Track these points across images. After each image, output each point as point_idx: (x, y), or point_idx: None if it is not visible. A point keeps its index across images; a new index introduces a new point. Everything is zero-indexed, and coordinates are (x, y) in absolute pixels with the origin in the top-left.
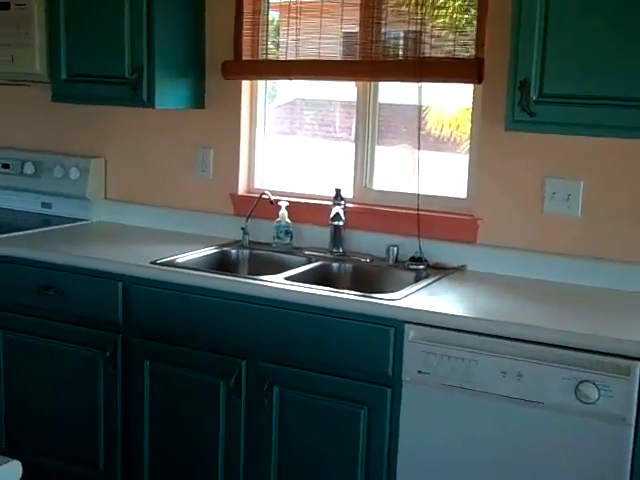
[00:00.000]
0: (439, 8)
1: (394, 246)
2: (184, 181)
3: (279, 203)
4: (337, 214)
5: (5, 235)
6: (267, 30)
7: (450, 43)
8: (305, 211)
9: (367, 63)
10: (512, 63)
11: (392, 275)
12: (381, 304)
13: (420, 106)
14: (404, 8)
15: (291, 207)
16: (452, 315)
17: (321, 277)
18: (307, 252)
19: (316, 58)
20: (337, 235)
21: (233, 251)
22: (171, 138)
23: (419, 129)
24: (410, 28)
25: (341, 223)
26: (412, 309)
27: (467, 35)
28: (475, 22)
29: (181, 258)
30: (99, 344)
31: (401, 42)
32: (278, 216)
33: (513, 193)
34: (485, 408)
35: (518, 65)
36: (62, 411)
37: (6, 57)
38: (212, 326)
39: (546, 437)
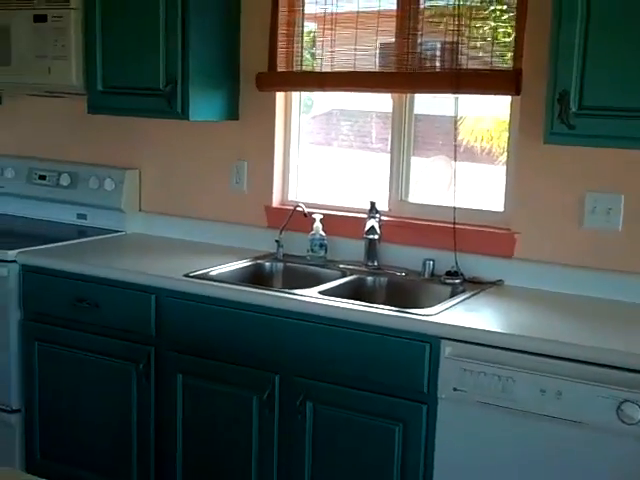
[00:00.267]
0: (477, 19)
1: (430, 260)
2: (218, 193)
3: (313, 216)
4: (372, 227)
5: (41, 246)
6: (302, 41)
7: (488, 54)
8: (340, 224)
9: (403, 75)
10: (551, 74)
11: (428, 289)
12: (416, 319)
13: (456, 117)
14: (441, 19)
15: (326, 220)
16: (489, 331)
17: (355, 291)
18: (341, 265)
19: (351, 69)
20: (372, 248)
21: (267, 264)
22: (205, 150)
23: (455, 140)
24: (447, 39)
25: (376, 236)
26: (448, 325)
27: (505, 46)
28: (513, 32)
29: (214, 271)
30: (132, 357)
31: (438, 53)
32: (312, 229)
33: (551, 207)
34: (523, 427)
35: (557, 76)
36: (95, 423)
37: (43, 69)
38: (245, 340)
39: (586, 458)
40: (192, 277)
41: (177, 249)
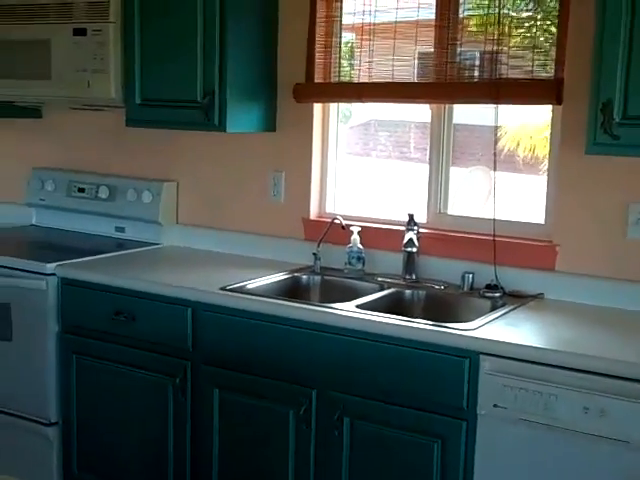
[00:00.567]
0: (517, 27)
1: (469, 273)
2: (255, 205)
3: (351, 228)
4: (410, 240)
5: (80, 259)
6: (339, 52)
7: (528, 63)
8: (378, 236)
9: (442, 85)
10: (594, 83)
11: (467, 303)
12: (455, 334)
13: (496, 127)
14: (481, 28)
15: (363, 232)
16: (529, 347)
17: (393, 305)
18: (379, 278)
19: (389, 80)
20: (410, 261)
21: (304, 277)
22: (243, 162)
23: (495, 151)
24: (486, 48)
25: (414, 249)
26: (487, 340)
27: (546, 54)
28: (555, 41)
29: (251, 284)
30: (169, 371)
31: (477, 63)
32: (350, 241)
33: (594, 218)
34: (565, 446)
35: (600, 85)
36: (132, 437)
37: (82, 82)
38: (282, 354)
39: (631, 478)
40: (229, 290)
41: (214, 261)
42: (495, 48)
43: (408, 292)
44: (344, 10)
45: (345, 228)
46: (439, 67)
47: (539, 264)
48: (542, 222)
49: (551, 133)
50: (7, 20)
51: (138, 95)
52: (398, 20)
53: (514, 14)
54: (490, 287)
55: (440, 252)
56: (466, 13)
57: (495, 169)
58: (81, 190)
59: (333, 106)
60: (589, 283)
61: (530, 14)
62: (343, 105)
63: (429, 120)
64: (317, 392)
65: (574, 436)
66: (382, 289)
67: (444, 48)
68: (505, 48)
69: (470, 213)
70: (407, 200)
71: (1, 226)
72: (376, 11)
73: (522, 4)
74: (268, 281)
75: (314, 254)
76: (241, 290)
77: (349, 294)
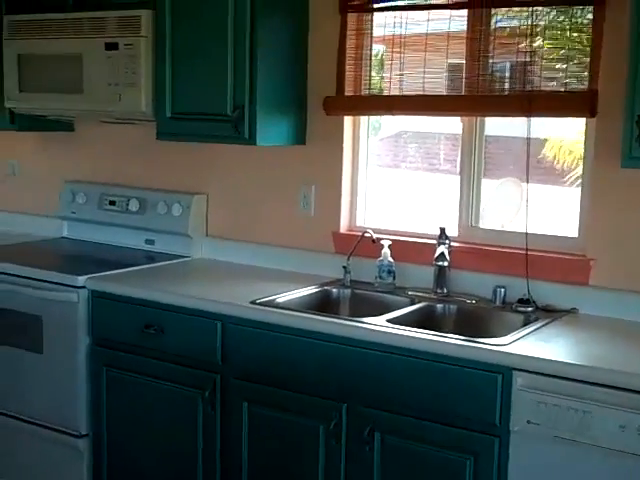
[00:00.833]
0: (550, 39)
1: (501, 287)
2: (285, 218)
3: (382, 242)
4: (442, 254)
5: (110, 272)
6: (370, 65)
7: (562, 75)
8: (408, 250)
9: (473, 98)
10: (629, 95)
11: (499, 318)
12: (488, 349)
13: (529, 139)
14: (513, 39)
15: (394, 245)
16: (563, 363)
17: (424, 319)
18: (410, 292)
19: (420, 93)
20: (441, 275)
21: (334, 290)
22: (272, 175)
23: (528, 164)
24: (519, 60)
25: (446, 263)
26: (520, 355)
27: (580, 66)
28: (589, 52)
29: (281, 298)
30: (198, 384)
31: (509, 75)
32: (381, 255)
33: (629, 232)
34: (601, 464)
35: (636, 98)
36: (162, 450)
37: (114, 96)
38: (312, 368)
39: None
40: (258, 304)
41: (243, 275)
42: (528, 60)
43: (439, 306)
44: (375, 22)
45: (376, 242)
46: (470, 79)
47: (573, 278)
48: (576, 235)
49: (585, 145)
50: (40, 35)
51: (169, 109)
52: (429, 32)
53: (547, 25)
54: (522, 301)
55: (471, 266)
56: (498, 25)
57: (528, 181)
58: (112, 203)
59: (363, 119)
60: (624, 298)
61: (563, 25)
62: (373, 117)
63: (459, 132)
64: (347, 407)
65: (610, 454)
66: (413, 303)
67: (476, 60)
68: (538, 60)
69: (502, 226)
70: (437, 213)
71: (33, 238)
72: (407, 23)
73: (555, 15)
74: (298, 295)
75: (344, 267)
76: (271, 304)
77: (379, 308)
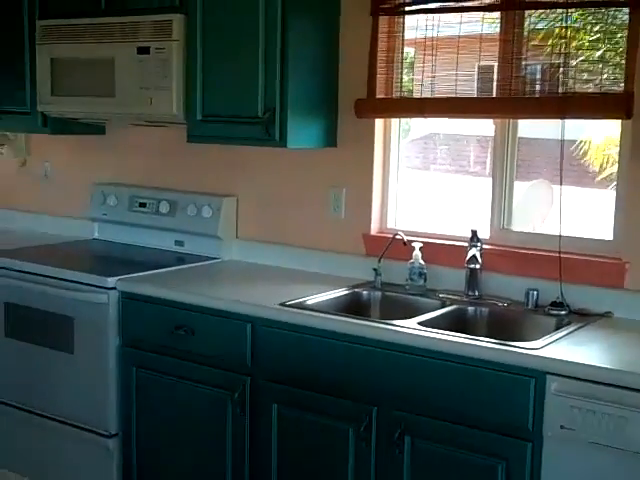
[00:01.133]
0: (585, 40)
1: (534, 290)
2: (315, 220)
3: (413, 244)
4: (473, 256)
5: (140, 274)
6: (402, 67)
7: (596, 76)
8: (440, 252)
9: (506, 100)
10: None
11: (531, 321)
12: (521, 353)
13: (562, 141)
14: (546, 41)
15: (425, 248)
16: (598, 367)
17: (456, 322)
18: (441, 295)
19: (452, 95)
20: (473, 278)
21: (364, 292)
22: (303, 177)
23: (561, 165)
24: (553, 61)
25: (477, 266)
26: (554, 359)
27: (615, 67)
28: (624, 53)
29: (311, 300)
30: (228, 386)
31: (543, 77)
32: (411, 257)
33: None
34: (636, 470)
35: None
36: (191, 451)
37: (145, 100)
38: (342, 371)
39: None
40: (288, 306)
41: (273, 277)
42: (562, 61)
43: (471, 309)
44: (406, 25)
45: (407, 244)
46: (503, 82)
47: (607, 281)
48: (610, 238)
49: (620, 147)
50: (73, 39)
51: (199, 111)
52: (461, 34)
53: (581, 27)
54: (555, 305)
55: (503, 269)
56: (532, 26)
57: (561, 183)
58: (142, 205)
59: (394, 121)
60: None
61: (598, 26)
62: (403, 119)
63: (489, 133)
64: (377, 410)
65: None
66: (444, 306)
67: (509, 62)
68: (572, 61)
69: (533, 229)
70: (468, 215)
71: (65, 240)
72: (439, 26)
73: (590, 16)
74: (328, 297)
75: (375, 270)
76: (301, 306)
77: (410, 310)
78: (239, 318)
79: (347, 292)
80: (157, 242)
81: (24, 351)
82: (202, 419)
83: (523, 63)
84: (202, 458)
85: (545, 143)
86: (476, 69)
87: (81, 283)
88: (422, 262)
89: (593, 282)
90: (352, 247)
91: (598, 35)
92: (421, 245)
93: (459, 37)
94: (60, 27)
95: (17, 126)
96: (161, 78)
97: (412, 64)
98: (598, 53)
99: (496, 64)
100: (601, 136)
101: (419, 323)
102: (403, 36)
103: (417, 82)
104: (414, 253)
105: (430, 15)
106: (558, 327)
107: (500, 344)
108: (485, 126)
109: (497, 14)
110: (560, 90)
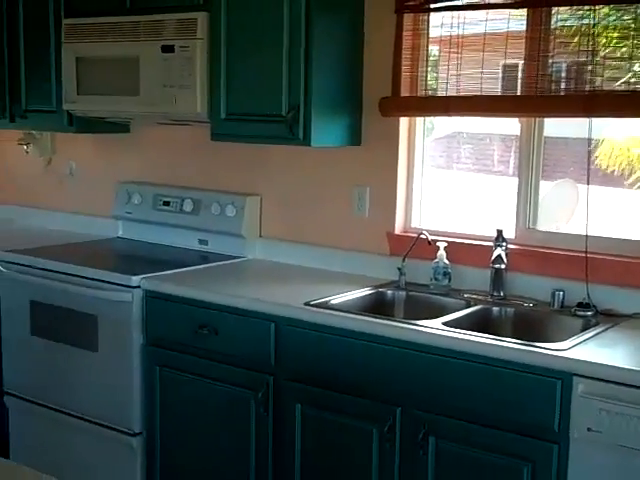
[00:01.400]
0: (613, 38)
1: (560, 291)
2: (339, 219)
3: (437, 243)
4: (499, 256)
5: (164, 272)
6: (426, 65)
7: (625, 74)
8: (464, 252)
9: (533, 98)
10: None
11: (557, 322)
12: (547, 354)
13: (590, 140)
14: (574, 39)
15: (450, 247)
16: (626, 369)
17: (480, 322)
18: (466, 295)
19: (477, 93)
20: (498, 278)
21: (389, 292)
22: (327, 176)
23: (589, 164)
24: (580, 59)
25: (503, 266)
26: (581, 361)
27: None
28: None
29: (335, 299)
30: (251, 385)
31: (570, 75)
32: (436, 257)
33: None
34: None
35: None
36: (214, 449)
37: (169, 98)
38: (366, 371)
39: None
40: (312, 306)
41: (297, 276)
42: (589, 59)
43: (496, 309)
44: (431, 23)
45: (431, 243)
46: (529, 80)
47: (634, 282)
48: (638, 238)
49: None
50: (98, 38)
51: (223, 110)
52: (487, 32)
53: (609, 24)
54: (582, 305)
55: (529, 269)
56: (559, 24)
57: (588, 182)
58: (166, 203)
59: (419, 119)
60: None
61: (627, 24)
62: (428, 117)
63: (512, 132)
64: (402, 410)
65: None
66: (469, 306)
67: (535, 60)
68: (600, 59)
69: (557, 228)
70: (492, 214)
71: (89, 238)
72: (464, 23)
73: (618, 13)
74: (352, 296)
75: (399, 269)
76: (325, 305)
77: (434, 310)
78: (263, 317)
79: (371, 292)
80: (181, 241)
81: (49, 349)
82: (225, 418)
83: (550, 61)
84: (225, 457)
85: (571, 142)
86: (500, 67)
87: (105, 282)
88: (447, 262)
89: (620, 283)
90: (376, 246)
91: (626, 32)
92: (446, 244)
93: (485, 35)
94: (86, 26)
95: (43, 125)
96: (185, 77)
97: (436, 62)
98: (626, 50)
99: (520, 62)
100: (629, 134)
101: (444, 323)
102: (428, 34)
103: (442, 80)
104: (438, 253)
105: (455, 12)
106: (585, 328)
107: (526, 345)
108: (509, 125)
109: (524, 11)
110: (587, 88)
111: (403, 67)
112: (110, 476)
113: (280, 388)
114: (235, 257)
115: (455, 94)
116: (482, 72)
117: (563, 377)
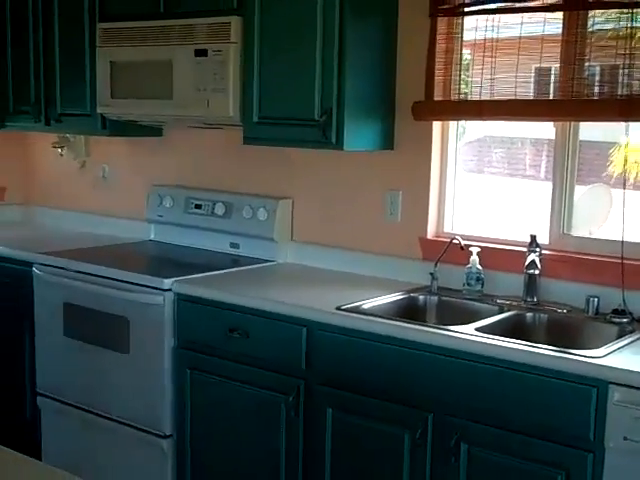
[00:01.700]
0: None
1: (594, 297)
2: (371, 223)
3: (470, 249)
4: (532, 262)
5: (196, 275)
6: (460, 69)
7: None
8: (497, 257)
9: (568, 102)
10: None
11: (592, 329)
12: (582, 361)
13: (627, 144)
14: (610, 42)
15: (483, 252)
16: None
17: (514, 328)
18: (499, 300)
19: (512, 97)
20: (532, 283)
21: (421, 297)
22: (359, 180)
23: (625, 169)
24: (617, 62)
25: (537, 272)
26: (617, 368)
27: None
28: None
29: (367, 304)
30: (282, 389)
31: (606, 78)
32: (469, 262)
33: None
34: None
35: None
36: (245, 453)
37: (202, 102)
38: (398, 376)
39: None
40: (344, 310)
41: (328, 280)
42: (626, 62)
43: (529, 315)
44: (465, 26)
45: (464, 248)
46: (565, 83)
47: None
48: None
49: None
50: (132, 42)
51: (255, 113)
52: (522, 35)
53: None
54: (617, 312)
55: (563, 274)
56: (596, 27)
57: (625, 187)
58: (198, 207)
59: (452, 123)
60: None
61: None
62: (460, 122)
63: (546, 136)
64: (433, 416)
65: None
66: (502, 311)
67: (571, 63)
68: (637, 62)
69: (590, 233)
70: (526, 219)
71: (121, 241)
72: (499, 27)
73: None
74: (384, 301)
75: (431, 274)
76: (357, 310)
77: (467, 316)
78: (294, 322)
79: (403, 296)
80: (212, 244)
81: (81, 350)
82: (255, 421)
83: (586, 64)
84: (256, 460)
85: (606, 146)
86: (533, 71)
87: (137, 284)
88: (479, 267)
89: None
90: (408, 251)
91: None
92: (479, 250)
93: (520, 38)
94: (120, 30)
95: (77, 128)
96: (218, 80)
97: (469, 66)
98: None
99: (554, 66)
100: None
101: (476, 329)
102: (462, 37)
103: (475, 84)
104: (471, 258)
105: (490, 16)
106: (620, 335)
107: (561, 352)
108: (541, 129)
109: (559, 14)
110: (624, 92)
111: (436, 71)
112: (140, 478)
113: (311, 392)
114: (266, 261)
115: (489, 98)
116: (516, 76)
117: (598, 385)
